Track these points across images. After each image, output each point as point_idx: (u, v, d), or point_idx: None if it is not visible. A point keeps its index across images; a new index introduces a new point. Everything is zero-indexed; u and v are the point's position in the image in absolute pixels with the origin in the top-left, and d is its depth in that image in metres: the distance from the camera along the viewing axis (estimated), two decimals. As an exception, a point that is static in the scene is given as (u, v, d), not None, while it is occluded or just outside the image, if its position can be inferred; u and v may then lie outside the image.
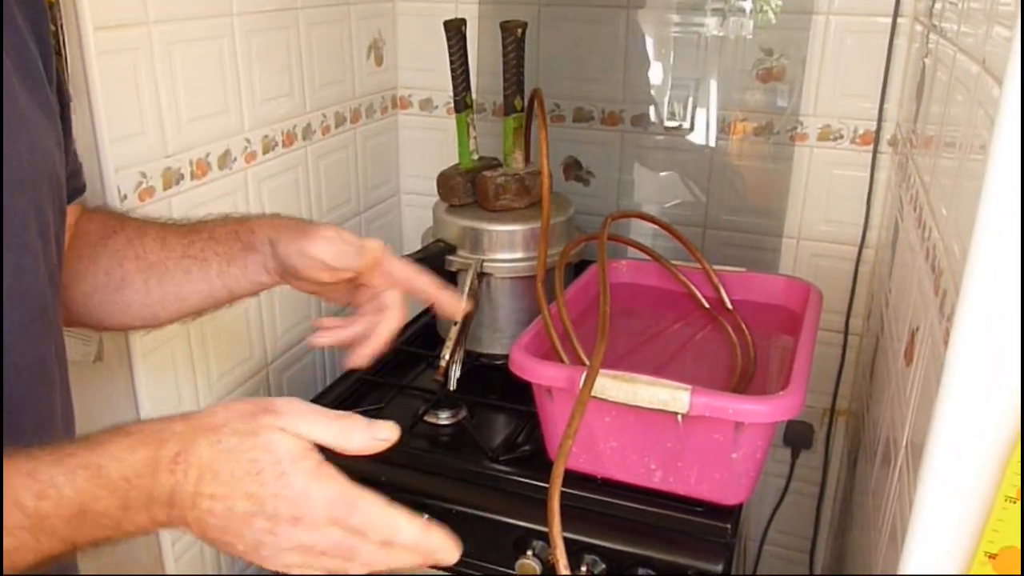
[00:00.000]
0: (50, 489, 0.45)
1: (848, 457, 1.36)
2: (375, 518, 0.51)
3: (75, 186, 0.69)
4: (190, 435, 0.50)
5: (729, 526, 0.89)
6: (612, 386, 0.84)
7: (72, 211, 0.70)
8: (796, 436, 1.43)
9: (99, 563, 0.69)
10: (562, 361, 0.92)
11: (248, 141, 1.15)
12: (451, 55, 1.17)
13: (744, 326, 1.09)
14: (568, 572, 0.59)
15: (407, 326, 1.38)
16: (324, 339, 0.77)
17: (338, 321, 0.78)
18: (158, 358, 1.04)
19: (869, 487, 0.98)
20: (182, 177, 1.03)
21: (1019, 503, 0.61)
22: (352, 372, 1.23)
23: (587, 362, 0.89)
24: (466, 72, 1.20)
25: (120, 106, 0.92)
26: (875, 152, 1.27)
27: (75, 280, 0.72)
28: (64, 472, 0.46)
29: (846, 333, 1.36)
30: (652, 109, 1.38)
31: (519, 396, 1.09)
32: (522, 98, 1.20)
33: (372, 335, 0.75)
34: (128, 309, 0.74)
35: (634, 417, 0.87)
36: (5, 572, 0.45)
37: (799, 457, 1.45)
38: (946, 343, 0.60)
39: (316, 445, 0.52)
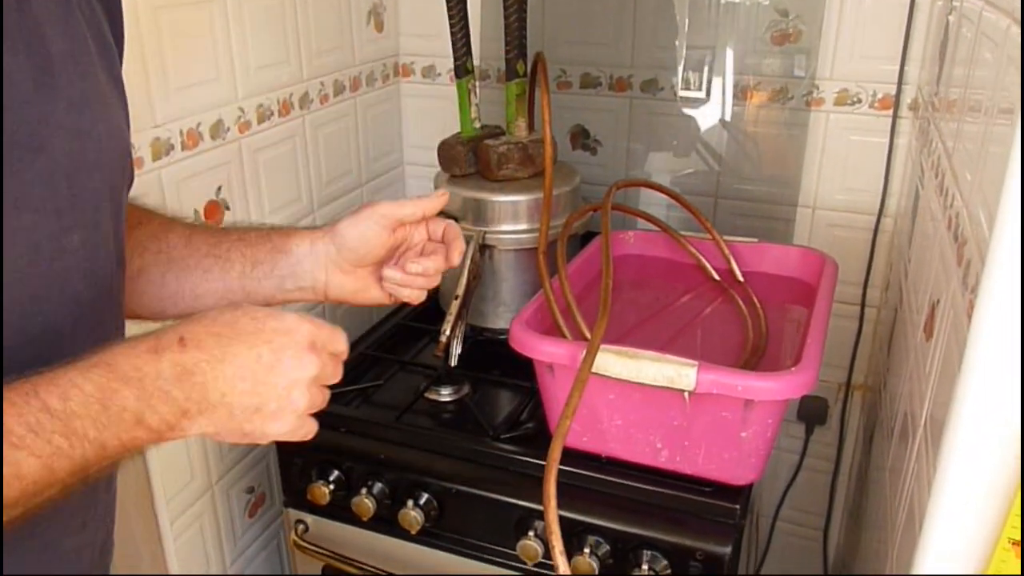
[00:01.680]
0: (72, 389, 0.46)
1: (864, 433, 1.32)
2: (342, 336, 0.59)
3: None
4: (182, 325, 0.52)
5: (738, 507, 0.86)
6: (615, 362, 0.80)
7: None
8: (810, 411, 1.39)
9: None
10: (564, 336, 0.89)
11: (242, 110, 1.11)
12: (450, 17, 1.13)
13: (756, 299, 1.05)
14: (564, 557, 0.56)
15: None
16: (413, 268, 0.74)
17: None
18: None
19: (886, 464, 0.95)
20: (172, 147, 1.00)
21: (1046, 487, 0.58)
22: (354, 347, 1.20)
23: (589, 337, 0.85)
24: (466, 36, 1.15)
25: (104, 73, 0.89)
26: (895, 117, 1.21)
27: None
28: (79, 372, 0.47)
29: (863, 306, 1.31)
30: (662, 74, 1.33)
31: (523, 372, 1.05)
32: (525, 63, 1.15)
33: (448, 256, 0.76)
34: (140, 299, 0.73)
35: (639, 394, 0.83)
36: (46, 484, 0.46)
37: (813, 433, 1.41)
38: (969, 316, 0.56)
39: None
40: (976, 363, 0.56)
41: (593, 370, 0.80)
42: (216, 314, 0.53)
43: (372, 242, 0.72)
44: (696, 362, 0.78)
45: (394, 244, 0.73)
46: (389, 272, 0.74)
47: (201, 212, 1.06)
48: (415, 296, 0.76)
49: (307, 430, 0.56)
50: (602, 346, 0.80)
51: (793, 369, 0.78)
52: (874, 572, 0.90)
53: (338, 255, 0.73)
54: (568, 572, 0.55)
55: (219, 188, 1.09)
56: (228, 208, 1.11)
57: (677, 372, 0.78)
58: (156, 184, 0.99)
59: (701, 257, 1.12)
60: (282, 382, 0.53)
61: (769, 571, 1.56)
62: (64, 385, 0.46)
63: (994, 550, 0.61)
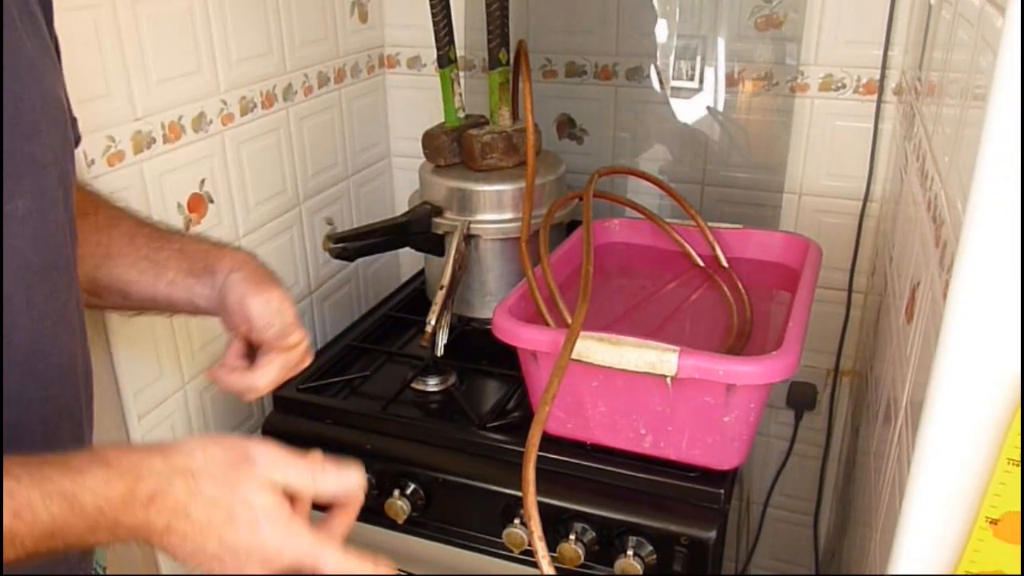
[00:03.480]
0: (26, 511, 0.46)
1: (852, 418, 1.32)
2: (334, 569, 0.54)
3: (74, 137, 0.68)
4: (167, 476, 0.51)
5: (722, 491, 0.86)
6: (598, 349, 0.80)
7: None
8: (799, 397, 1.40)
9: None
10: (547, 324, 0.89)
11: (224, 103, 1.11)
12: (432, 6, 1.12)
13: (741, 285, 1.05)
14: (543, 543, 0.56)
15: (397, 291, 1.36)
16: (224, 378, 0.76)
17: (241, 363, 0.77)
18: (136, 329, 1.01)
19: (871, 448, 0.95)
20: (154, 140, 1.00)
21: (1022, 466, 0.58)
22: (340, 338, 1.21)
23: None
24: (448, 24, 1.15)
25: (82, 66, 0.88)
26: (879, 102, 1.21)
27: None
28: (41, 497, 0.47)
29: (850, 291, 1.31)
30: (647, 62, 1.32)
31: (509, 361, 1.05)
32: (507, 51, 1.15)
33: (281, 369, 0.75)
34: None
35: (622, 381, 0.83)
36: None
37: (803, 419, 1.42)
38: (946, 296, 0.57)
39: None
40: (951, 343, 0.56)
41: (576, 357, 0.80)
42: (216, 492, 0.51)
43: (234, 324, 0.73)
44: (677, 347, 0.78)
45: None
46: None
47: (185, 205, 1.06)
48: None
49: None
50: (584, 333, 0.80)
51: (774, 353, 0.78)
52: (861, 557, 0.90)
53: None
54: (546, 555, 0.56)
55: (203, 181, 1.09)
56: (212, 201, 1.11)
57: (659, 358, 0.78)
58: (138, 177, 0.98)
59: (685, 244, 1.12)
60: (216, 566, 0.52)
61: (761, 557, 1.56)
62: (20, 504, 0.46)
63: (972, 528, 0.61)
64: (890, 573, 0.68)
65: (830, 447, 1.42)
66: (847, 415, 1.39)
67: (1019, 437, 0.57)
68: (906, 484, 0.65)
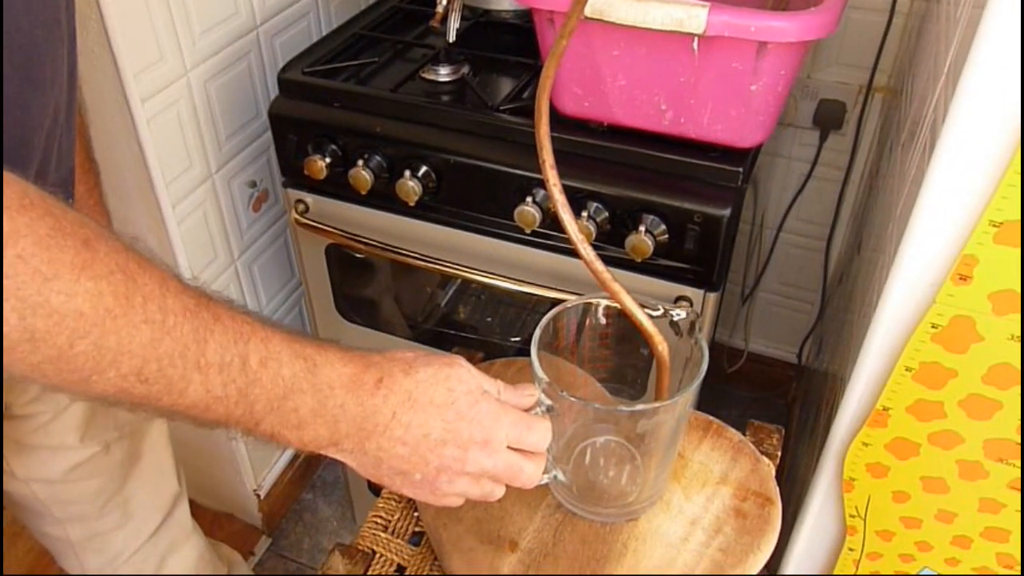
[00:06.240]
0: (273, 361, 0.46)
1: (879, 138, 1.27)
2: (545, 435, 0.55)
3: None
4: (388, 365, 0.52)
5: (742, 170, 0.83)
6: (620, 6, 0.74)
7: None
8: (827, 116, 1.34)
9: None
10: (568, -13, 0.82)
11: None
12: None
13: (780, -34, 0.96)
14: (554, 169, 0.54)
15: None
16: None
17: None
18: (129, 8, 0.95)
19: (895, 168, 0.91)
20: None
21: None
22: (348, 26, 1.14)
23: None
24: None
25: None
26: None
27: None
28: (290, 354, 0.47)
29: (895, -2, 1.21)
30: None
31: (526, 50, 1.00)
32: None
33: None
34: None
35: (645, 48, 0.78)
36: (195, 413, 0.45)
37: (827, 140, 1.37)
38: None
39: None
40: None
41: (596, 16, 0.75)
42: (434, 373, 0.52)
43: None
44: (707, 2, 0.72)
45: None
46: None
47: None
48: None
49: (446, 503, 0.55)
50: (607, -10, 0.74)
51: (812, 9, 0.72)
52: (868, 275, 0.89)
53: None
54: (557, 183, 0.54)
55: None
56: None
57: (687, 13, 0.72)
58: None
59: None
60: (435, 462, 0.52)
61: (769, 281, 1.59)
62: (271, 352, 0.46)
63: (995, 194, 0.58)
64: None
65: (852, 169, 1.38)
66: (874, 135, 1.34)
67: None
68: (931, 167, 0.61)
